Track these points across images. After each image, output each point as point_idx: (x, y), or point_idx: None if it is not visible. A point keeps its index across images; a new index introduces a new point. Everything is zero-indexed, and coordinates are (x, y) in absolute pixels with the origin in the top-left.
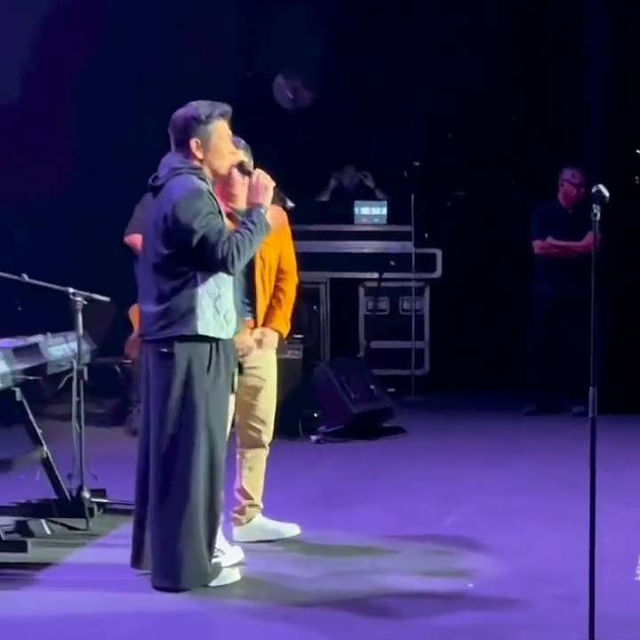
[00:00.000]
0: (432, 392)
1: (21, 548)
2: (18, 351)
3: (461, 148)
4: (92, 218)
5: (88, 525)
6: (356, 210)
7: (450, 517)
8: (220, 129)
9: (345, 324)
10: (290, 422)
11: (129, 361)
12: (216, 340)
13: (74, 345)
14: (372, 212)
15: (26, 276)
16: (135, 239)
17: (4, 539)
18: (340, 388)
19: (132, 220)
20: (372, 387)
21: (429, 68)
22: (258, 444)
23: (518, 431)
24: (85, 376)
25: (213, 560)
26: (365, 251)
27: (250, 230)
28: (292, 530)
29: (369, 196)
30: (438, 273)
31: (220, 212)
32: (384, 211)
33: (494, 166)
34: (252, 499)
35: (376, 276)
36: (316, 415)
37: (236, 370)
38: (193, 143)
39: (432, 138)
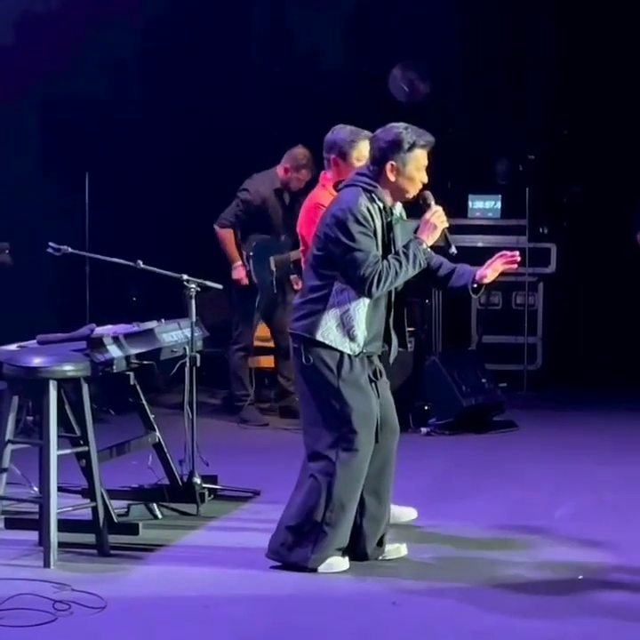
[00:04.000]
0: (544, 387)
1: (133, 530)
2: (132, 336)
3: (578, 143)
4: (209, 207)
5: (199, 510)
6: (470, 203)
7: (560, 511)
8: (420, 159)
9: (457, 318)
10: (400, 414)
11: None
12: (340, 351)
13: (187, 331)
14: (485, 205)
15: (141, 263)
16: (226, 234)
17: (116, 521)
18: (452, 381)
19: (233, 210)
20: (484, 380)
21: (547, 63)
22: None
23: (633, 428)
24: (198, 362)
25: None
26: (479, 245)
27: (399, 262)
28: (409, 514)
29: (483, 188)
30: (552, 268)
31: (375, 234)
32: (498, 204)
33: (612, 162)
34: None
35: None
36: (426, 408)
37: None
38: (388, 166)
39: (549, 132)
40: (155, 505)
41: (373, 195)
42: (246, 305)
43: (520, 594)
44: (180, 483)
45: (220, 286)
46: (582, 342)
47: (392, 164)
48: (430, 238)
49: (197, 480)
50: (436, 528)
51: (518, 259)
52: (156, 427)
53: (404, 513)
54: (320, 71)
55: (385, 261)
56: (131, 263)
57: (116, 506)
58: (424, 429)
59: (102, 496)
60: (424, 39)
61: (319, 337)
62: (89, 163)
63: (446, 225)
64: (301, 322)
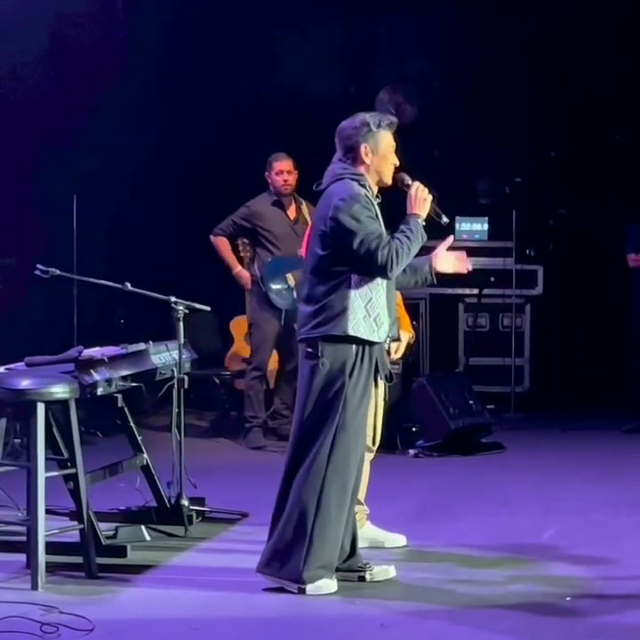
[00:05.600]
0: (532, 409)
1: (121, 552)
2: (120, 358)
3: (564, 165)
4: (196, 229)
5: (187, 532)
6: (458, 225)
7: (548, 532)
8: (388, 139)
9: (444, 340)
10: (388, 436)
11: (228, 373)
12: (364, 342)
13: (175, 353)
14: (473, 227)
15: (129, 285)
16: (220, 243)
17: (104, 544)
18: (439, 403)
19: (229, 221)
20: (471, 402)
21: (533, 86)
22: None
23: (618, 449)
24: (186, 384)
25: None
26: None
27: (408, 237)
28: (398, 540)
29: (471, 211)
30: (539, 289)
31: (377, 216)
32: (485, 226)
33: (597, 185)
34: (361, 504)
35: (476, 292)
36: (414, 429)
37: (384, 379)
38: (362, 148)
39: (535, 154)
40: (143, 527)
41: (361, 182)
42: (262, 325)
43: (509, 615)
44: (168, 505)
45: (207, 308)
46: (569, 364)
47: (365, 146)
48: (423, 211)
49: (185, 502)
50: (425, 549)
51: (468, 267)
52: (143, 449)
53: (392, 539)
54: (307, 95)
55: (396, 240)
56: (119, 285)
57: (104, 528)
58: (412, 451)
59: (90, 518)
60: (410, 62)
61: (351, 332)
62: (77, 185)
63: (430, 197)
64: (323, 326)
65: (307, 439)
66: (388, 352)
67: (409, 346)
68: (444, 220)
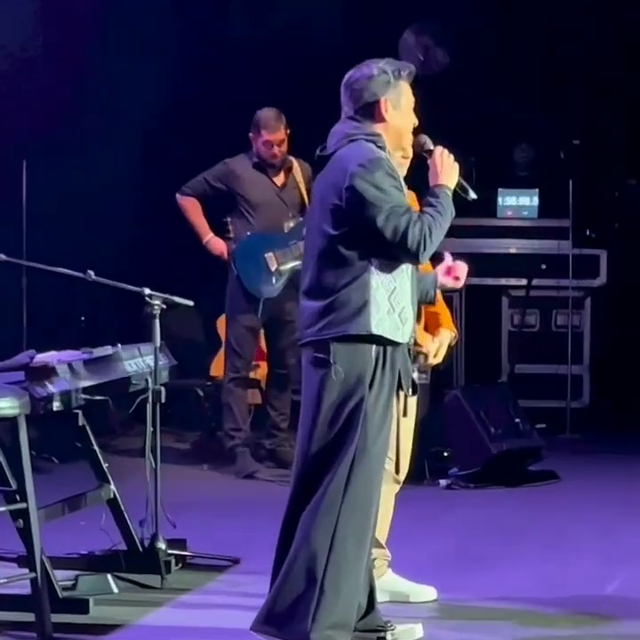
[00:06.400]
0: (592, 428)
1: (82, 608)
2: (81, 365)
3: (635, 124)
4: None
5: (163, 583)
6: (500, 200)
7: (613, 582)
8: (408, 92)
9: (484, 343)
10: (414, 462)
11: (214, 383)
12: (386, 344)
13: (149, 359)
14: (519, 202)
15: (92, 274)
16: (189, 204)
17: (61, 597)
18: (477, 422)
19: (201, 178)
20: (517, 420)
21: (596, 20)
22: (388, 478)
23: None
24: (162, 398)
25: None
26: (511, 251)
27: (439, 213)
28: (427, 594)
29: (516, 182)
30: (602, 280)
31: (402, 187)
32: (535, 201)
33: None
34: (381, 547)
35: (524, 282)
36: (445, 454)
37: (410, 389)
38: (382, 103)
39: (596, 109)
40: (109, 576)
41: (379, 144)
42: (237, 318)
43: None
44: (141, 548)
45: (190, 303)
46: (637, 372)
47: (385, 100)
48: (451, 181)
49: (162, 545)
50: (459, 604)
51: (460, 281)
52: (110, 478)
53: (419, 592)
54: (312, 40)
55: (427, 215)
56: (80, 274)
57: (61, 577)
58: (443, 482)
59: (44, 565)
60: None
61: (375, 330)
62: (27, 148)
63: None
64: (338, 325)
65: (316, 467)
66: (425, 356)
67: (450, 348)
68: (472, 195)
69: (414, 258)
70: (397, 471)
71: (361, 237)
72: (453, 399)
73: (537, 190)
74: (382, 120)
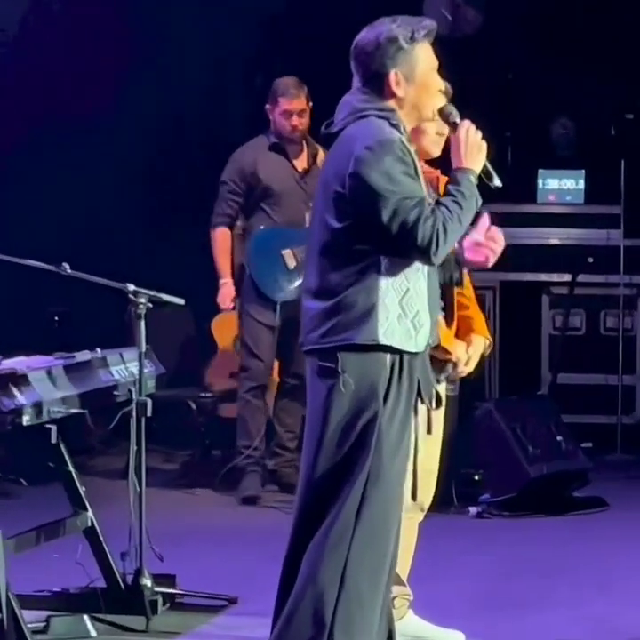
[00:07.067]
0: None
1: None
2: (55, 373)
3: None
4: (167, 191)
5: (149, 625)
6: (540, 182)
7: None
8: (427, 55)
9: (521, 348)
10: (440, 486)
11: (209, 394)
12: (400, 352)
13: (133, 366)
14: (563, 185)
15: (67, 267)
16: (219, 236)
17: None
18: (514, 440)
19: (226, 197)
20: (560, 438)
21: None
22: (411, 505)
23: None
24: (148, 411)
25: None
26: (552, 242)
27: (459, 204)
28: (453, 637)
29: (559, 162)
30: None
31: (417, 173)
32: (581, 184)
33: None
34: (402, 584)
35: (568, 278)
36: (477, 477)
37: (432, 401)
38: (392, 77)
39: None
40: (86, 617)
41: (392, 121)
42: (253, 315)
43: None
44: (123, 585)
45: (180, 301)
46: None
47: (396, 72)
48: (476, 164)
49: (147, 581)
50: None
51: (491, 259)
52: (87, 504)
53: (445, 636)
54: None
55: (442, 208)
56: (53, 268)
57: (31, 618)
58: (474, 509)
59: (10, 604)
60: None
61: (383, 339)
62: None
63: (485, 143)
64: (342, 331)
65: (323, 493)
66: (454, 364)
67: (483, 358)
68: (496, 182)
69: (425, 258)
70: (414, 497)
71: (367, 231)
72: (486, 414)
73: (583, 171)
74: (393, 95)
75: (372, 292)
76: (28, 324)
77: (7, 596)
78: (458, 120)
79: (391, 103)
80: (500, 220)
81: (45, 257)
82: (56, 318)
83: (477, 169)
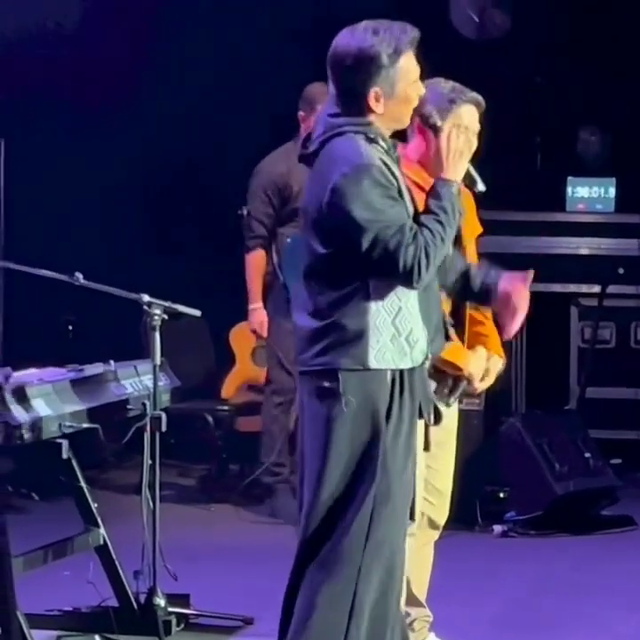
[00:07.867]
0: None
1: None
2: (67, 387)
3: None
4: (183, 198)
5: None
6: (570, 190)
7: None
8: (408, 66)
9: (549, 362)
10: (463, 504)
11: (226, 408)
12: (397, 370)
13: (148, 379)
14: (593, 193)
15: (81, 277)
16: (254, 260)
17: None
18: (540, 456)
19: (260, 215)
20: (588, 454)
21: None
22: (427, 523)
23: None
24: (163, 425)
25: None
26: (582, 252)
27: (440, 222)
28: None
29: (589, 169)
30: None
31: (400, 192)
32: (611, 192)
33: None
34: (421, 605)
35: (597, 289)
36: (502, 495)
37: (431, 416)
38: (371, 95)
39: None
40: (97, 637)
41: (370, 135)
42: (284, 325)
43: None
44: (135, 604)
45: (197, 313)
46: None
47: (376, 92)
48: (458, 172)
49: (160, 601)
50: None
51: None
52: (99, 521)
53: None
54: None
55: (424, 230)
56: (65, 277)
57: (40, 638)
58: (498, 528)
59: (19, 624)
60: None
61: (374, 364)
62: (4, 125)
63: (471, 150)
64: (333, 353)
65: (329, 514)
66: (467, 380)
67: (498, 376)
68: (480, 187)
69: (408, 283)
70: (411, 517)
71: (350, 258)
72: (511, 429)
73: (613, 179)
74: (371, 112)
75: (362, 316)
76: (42, 334)
77: (16, 615)
78: (439, 122)
79: (369, 118)
80: (528, 229)
81: (59, 267)
82: (70, 328)
83: (459, 177)
